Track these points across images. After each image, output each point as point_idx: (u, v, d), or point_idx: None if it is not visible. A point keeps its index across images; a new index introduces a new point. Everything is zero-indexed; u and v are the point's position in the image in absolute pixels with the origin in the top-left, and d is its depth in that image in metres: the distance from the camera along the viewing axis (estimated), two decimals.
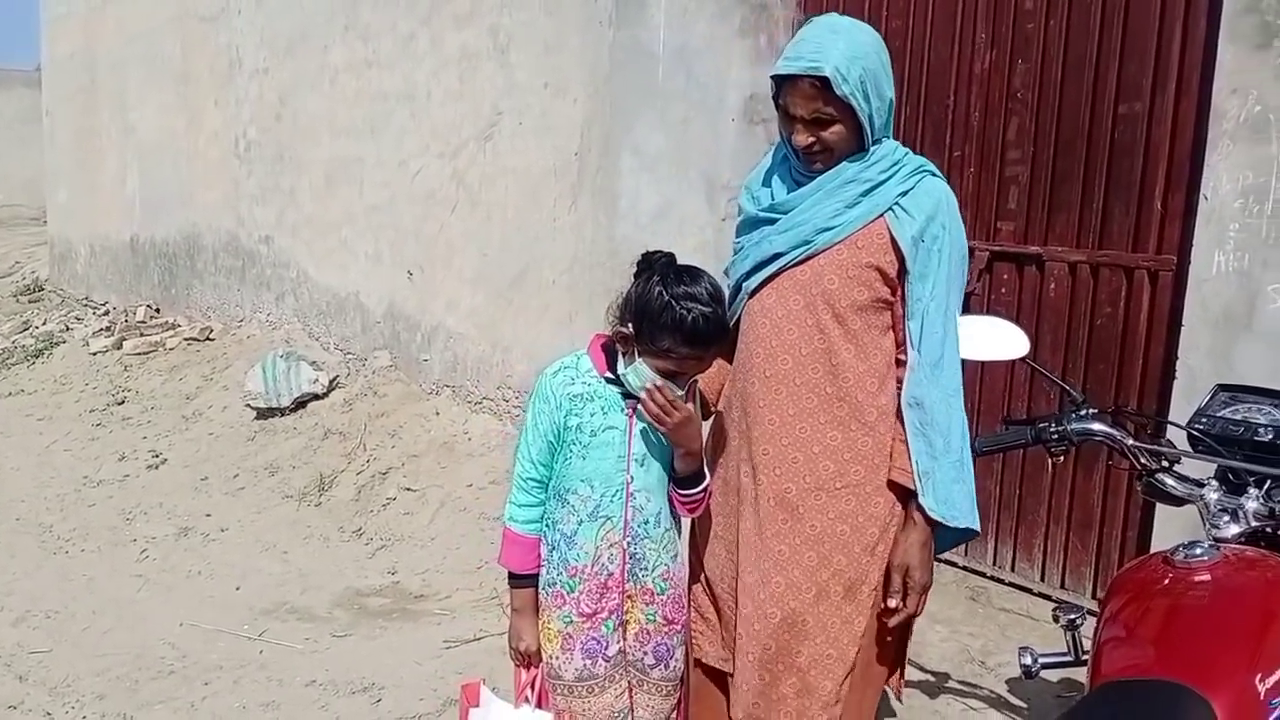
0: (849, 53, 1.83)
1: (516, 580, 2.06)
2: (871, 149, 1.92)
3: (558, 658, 2.01)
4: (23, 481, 5.58)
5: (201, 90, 7.96)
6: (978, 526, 1.94)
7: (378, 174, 6.16)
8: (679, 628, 2.06)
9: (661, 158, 4.48)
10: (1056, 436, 2.02)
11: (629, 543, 1.97)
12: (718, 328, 1.87)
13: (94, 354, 8.01)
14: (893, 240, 1.89)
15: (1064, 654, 1.94)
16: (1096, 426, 2.00)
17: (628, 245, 4.38)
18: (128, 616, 3.89)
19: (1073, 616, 1.92)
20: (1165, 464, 1.95)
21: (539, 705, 2.07)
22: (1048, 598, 3.42)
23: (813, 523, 1.95)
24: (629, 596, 2.00)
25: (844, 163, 1.92)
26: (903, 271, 1.90)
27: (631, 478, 1.95)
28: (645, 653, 2.03)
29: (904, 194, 1.91)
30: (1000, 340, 2.16)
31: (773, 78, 1.92)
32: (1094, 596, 3.28)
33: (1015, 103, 3.48)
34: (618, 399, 1.94)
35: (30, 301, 11.39)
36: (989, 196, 3.56)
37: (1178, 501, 1.94)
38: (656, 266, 1.88)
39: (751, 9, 4.12)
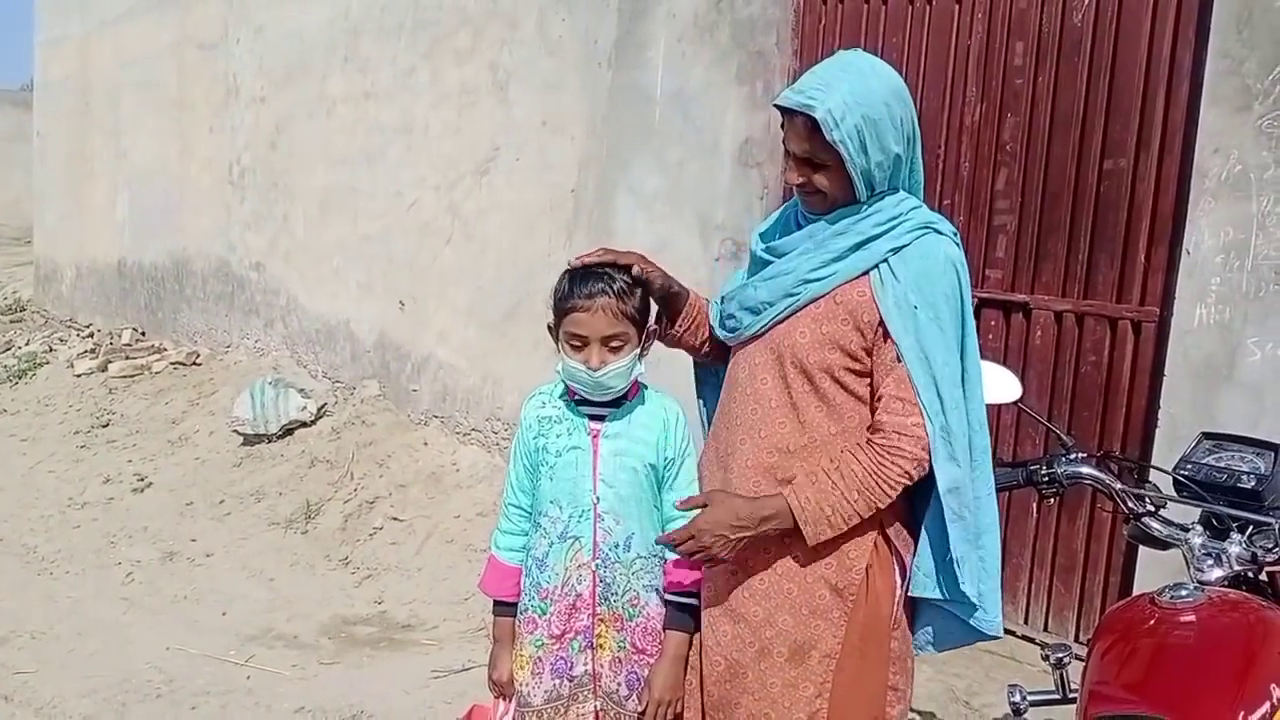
0: (851, 97, 1.72)
1: (498, 608, 2.10)
2: (871, 201, 1.80)
3: (528, 684, 2.02)
4: (6, 502, 5.55)
5: (197, 117, 8.01)
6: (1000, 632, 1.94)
7: (372, 204, 6.21)
8: (650, 658, 2.00)
9: (657, 197, 4.56)
10: (1047, 479, 2.08)
11: (598, 564, 1.98)
12: (589, 273, 1.90)
13: (78, 375, 7.98)
14: (874, 301, 1.78)
15: (1051, 692, 1.98)
16: (1085, 470, 2.07)
17: None
18: (114, 639, 3.88)
19: (1060, 655, 1.96)
20: (1151, 508, 2.02)
21: None
22: (1031, 640, 3.48)
23: (761, 576, 1.89)
24: (601, 620, 2.00)
25: (840, 211, 1.82)
26: (886, 335, 1.78)
27: (598, 498, 1.97)
28: (619, 683, 2.01)
29: (895, 250, 1.78)
30: (993, 384, 2.22)
31: (776, 107, 1.83)
32: (1077, 639, 3.34)
33: (1004, 155, 3.60)
34: (584, 421, 1.99)
35: (12, 321, 11.32)
36: (978, 245, 3.66)
37: (1163, 545, 2.00)
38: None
39: (749, 55, 4.23)
